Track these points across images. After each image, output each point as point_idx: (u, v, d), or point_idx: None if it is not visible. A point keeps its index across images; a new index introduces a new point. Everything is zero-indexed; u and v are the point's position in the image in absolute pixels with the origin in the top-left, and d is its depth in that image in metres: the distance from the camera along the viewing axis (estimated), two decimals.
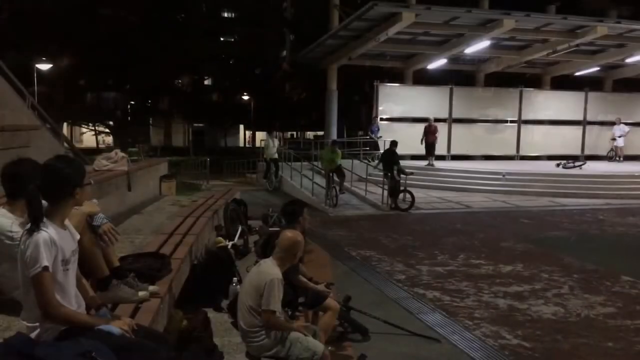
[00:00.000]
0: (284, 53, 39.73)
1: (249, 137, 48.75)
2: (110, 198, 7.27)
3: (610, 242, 10.07)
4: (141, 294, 3.65)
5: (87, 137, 43.28)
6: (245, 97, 38.86)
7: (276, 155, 16.76)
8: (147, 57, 26.87)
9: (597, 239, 10.34)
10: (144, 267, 4.15)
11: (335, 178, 13.55)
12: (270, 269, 3.73)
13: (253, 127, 42.43)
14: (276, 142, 17.22)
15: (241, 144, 50.30)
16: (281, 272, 3.75)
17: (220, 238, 7.12)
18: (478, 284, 7.08)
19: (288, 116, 37.58)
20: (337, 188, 13.35)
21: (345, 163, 16.42)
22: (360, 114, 27.78)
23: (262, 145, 18.10)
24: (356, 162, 16.31)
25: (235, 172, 23.78)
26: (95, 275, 3.45)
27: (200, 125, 44.26)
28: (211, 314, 4.98)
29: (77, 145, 26.90)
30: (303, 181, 15.04)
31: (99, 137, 41.15)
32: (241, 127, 49.06)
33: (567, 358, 4.88)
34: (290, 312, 4.81)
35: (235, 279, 5.72)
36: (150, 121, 40.58)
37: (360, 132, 22.29)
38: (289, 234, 3.91)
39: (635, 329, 5.57)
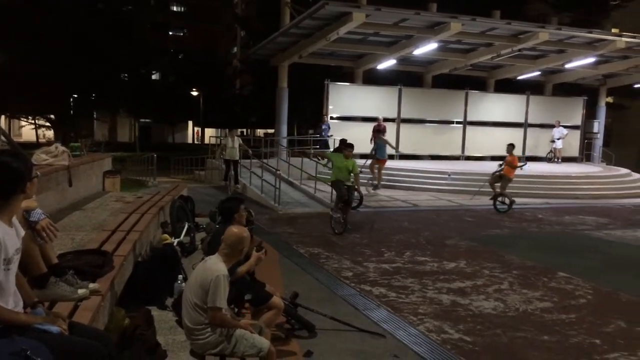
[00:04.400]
0: (235, 49, 39.36)
1: (198, 133, 48.01)
2: (49, 194, 7.00)
3: (547, 240, 10.49)
4: (81, 291, 3.54)
5: (27, 130, 41.47)
6: (195, 93, 38.23)
7: (237, 157, 15.23)
8: (92, 48, 26.00)
9: (536, 237, 10.76)
10: (85, 264, 4.04)
11: (342, 194, 10.18)
12: (215, 265, 3.69)
13: (202, 123, 41.82)
14: (237, 141, 15.36)
15: (190, 140, 49.49)
16: (227, 269, 3.71)
17: (166, 235, 6.99)
18: (423, 280, 7.24)
19: (238, 113, 37.23)
20: (344, 217, 10.11)
21: (295, 161, 16.49)
22: (310, 113, 27.85)
23: (220, 143, 16.81)
24: (306, 160, 16.34)
25: (183, 169, 23.37)
26: (32, 273, 3.32)
27: (147, 120, 43.24)
28: (155, 312, 4.88)
29: (16, 139, 25.77)
30: (252, 179, 14.94)
31: (39, 131, 39.52)
32: (190, 123, 48.27)
33: (506, 351, 5.05)
34: (236, 309, 4.77)
35: (180, 276, 5.63)
36: (95, 115, 39.31)
37: (311, 131, 22.35)
38: (235, 229, 3.88)
39: (570, 323, 5.82)
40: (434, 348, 5.05)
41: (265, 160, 16.28)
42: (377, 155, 15.70)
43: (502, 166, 13.40)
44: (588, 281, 7.39)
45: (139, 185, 16.00)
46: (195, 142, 46.71)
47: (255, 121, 39.66)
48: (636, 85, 26.13)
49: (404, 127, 21.30)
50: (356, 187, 10.62)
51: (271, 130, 28.38)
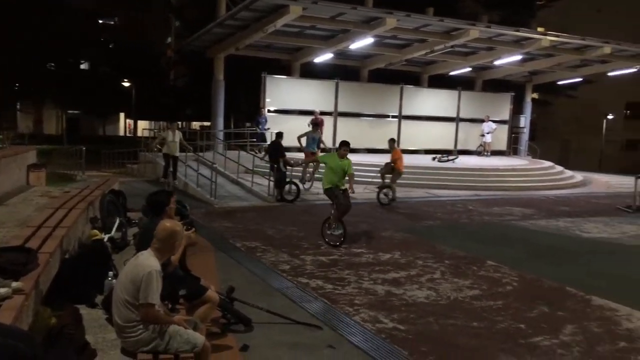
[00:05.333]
0: (169, 39, 38.32)
1: (130, 125, 46.49)
2: None
3: (477, 231, 10.90)
4: (2, 290, 3.38)
5: None
6: (127, 84, 36.94)
7: (177, 152, 14.55)
8: (16, 36, 24.63)
9: (467, 228, 11.15)
10: (6, 262, 3.85)
11: (341, 204, 8.91)
12: (147, 260, 3.59)
13: (135, 115, 40.50)
14: (178, 135, 14.47)
15: (121, 132, 47.87)
16: (160, 264, 3.63)
17: (95, 231, 6.76)
18: (359, 271, 7.35)
19: (173, 105, 36.30)
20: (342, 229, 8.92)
21: (232, 154, 16.30)
22: (248, 106, 27.57)
23: (156, 135, 15.70)
24: (243, 153, 16.19)
25: (115, 163, 22.60)
26: None
27: (76, 112, 41.43)
28: (84, 310, 4.72)
29: None
30: (188, 172, 14.66)
31: None
32: (122, 115, 46.66)
33: (437, 338, 5.22)
34: (170, 305, 4.67)
35: (111, 273, 5.47)
36: (18, 106, 37.28)
37: (248, 124, 22.16)
38: (167, 223, 3.79)
39: (497, 309, 6.08)
40: (369, 337, 5.14)
41: (201, 154, 15.99)
42: (308, 148, 15.55)
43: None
44: (514, 269, 7.74)
45: (67, 179, 15.33)
46: (128, 134, 45.21)
47: (191, 114, 38.80)
48: (559, 82, 27.57)
49: (340, 121, 21.48)
50: (350, 190, 9.13)
51: (207, 123, 27.90)
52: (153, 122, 44.05)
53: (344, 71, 23.33)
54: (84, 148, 17.26)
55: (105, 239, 6.74)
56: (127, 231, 7.84)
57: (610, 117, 37.91)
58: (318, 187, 15.25)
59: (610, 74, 24.76)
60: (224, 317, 5.19)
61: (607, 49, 20.09)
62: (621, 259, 9.01)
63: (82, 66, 38.38)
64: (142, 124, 42.11)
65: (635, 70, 23.71)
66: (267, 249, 8.44)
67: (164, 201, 4.88)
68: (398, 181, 13.96)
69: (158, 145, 14.94)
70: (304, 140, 15.06)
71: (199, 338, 3.67)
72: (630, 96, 39.42)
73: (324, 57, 20.95)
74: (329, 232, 8.94)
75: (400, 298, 6.33)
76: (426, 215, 12.30)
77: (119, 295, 3.57)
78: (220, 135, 19.72)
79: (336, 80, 21.46)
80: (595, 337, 5.37)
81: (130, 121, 45.89)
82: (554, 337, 5.33)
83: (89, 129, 43.60)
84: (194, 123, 43.07)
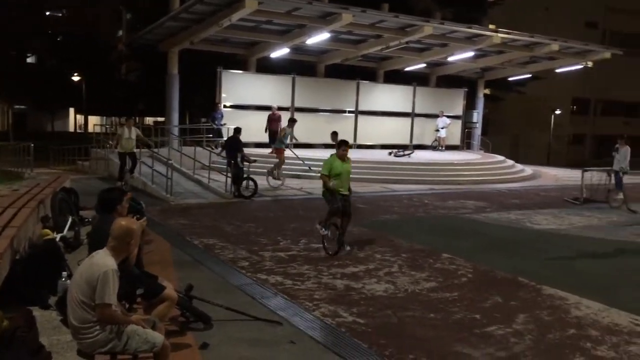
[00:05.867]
0: (120, 32, 37.36)
1: (80, 121, 45.13)
2: None
3: (433, 224, 11.12)
4: None
5: None
6: (76, 78, 35.82)
7: (134, 149, 14.08)
8: None
9: (423, 221, 11.36)
10: None
11: (338, 211, 8.05)
12: (103, 260, 3.52)
13: (85, 110, 39.34)
14: (134, 131, 14.01)
15: (71, 128, 46.41)
16: (116, 263, 3.56)
17: (47, 230, 6.56)
18: (318, 266, 7.39)
19: (125, 100, 35.42)
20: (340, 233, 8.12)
21: (188, 150, 16.06)
22: (203, 100, 27.20)
23: (116, 133, 14.83)
24: (199, 149, 15.98)
25: (65, 159, 21.90)
26: None
27: (23, 107, 39.93)
28: (37, 312, 4.58)
29: None
30: (143, 169, 14.35)
31: None
32: (71, 110, 45.23)
33: (396, 330, 5.31)
34: (127, 305, 4.59)
35: (64, 273, 5.32)
36: None
37: (203, 119, 21.87)
38: (123, 222, 3.72)
39: (453, 300, 6.23)
40: (329, 332, 5.19)
41: (155, 150, 15.68)
42: (281, 145, 15.58)
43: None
44: (468, 261, 7.94)
45: (14, 177, 14.81)
46: (78, 130, 43.88)
47: (144, 109, 37.98)
48: (510, 79, 28.33)
49: (298, 116, 21.35)
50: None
51: (161, 119, 27.39)
52: (104, 117, 42.85)
53: (301, 66, 23.31)
54: (32, 144, 16.67)
55: (58, 239, 6.55)
56: (80, 230, 7.64)
57: (558, 112, 39.25)
58: (276, 182, 15.28)
59: (557, 70, 25.64)
60: (183, 316, 5.14)
61: (555, 46, 20.77)
62: (569, 249, 9.37)
63: (29, 59, 37.00)
64: (93, 120, 40.93)
65: (581, 67, 24.62)
66: (225, 246, 8.37)
67: (116, 199, 4.78)
68: (358, 176, 14.02)
69: (110, 142, 14.47)
70: (283, 138, 15.31)
71: (158, 337, 3.62)
72: (577, 92, 40.92)
73: (280, 52, 20.86)
74: (323, 233, 7.98)
75: (359, 292, 6.40)
76: (383, 209, 12.45)
77: (74, 296, 3.49)
78: (175, 131, 19.38)
79: (293, 76, 21.42)
80: (546, 325, 5.57)
81: (80, 116, 44.56)
82: (507, 326, 5.51)
83: (37, 124, 42.14)
84: (147, 118, 42.19)
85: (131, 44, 28.80)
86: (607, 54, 22.87)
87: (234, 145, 13.42)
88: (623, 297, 6.60)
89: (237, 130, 13.83)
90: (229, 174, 13.18)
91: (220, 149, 15.69)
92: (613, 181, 14.37)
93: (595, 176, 15.18)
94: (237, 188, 13.02)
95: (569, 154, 39.58)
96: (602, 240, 10.11)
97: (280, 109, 19.71)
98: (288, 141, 16.12)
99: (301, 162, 16.56)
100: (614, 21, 40.96)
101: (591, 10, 39.88)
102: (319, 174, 8.36)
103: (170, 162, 13.31)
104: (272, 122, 18.83)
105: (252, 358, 4.58)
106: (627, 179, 14.44)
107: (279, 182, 14.98)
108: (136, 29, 25.92)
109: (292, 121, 16.03)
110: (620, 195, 13.90)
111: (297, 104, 21.46)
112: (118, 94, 34.48)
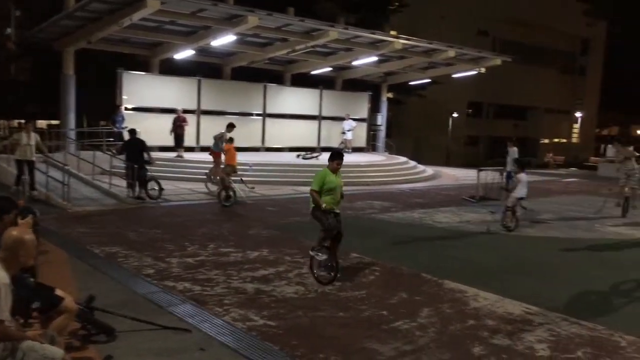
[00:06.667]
0: (9, 30, 34.75)
1: None
2: None
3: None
4: None
5: None
6: None
7: (33, 157, 12.64)
8: None
9: None
10: None
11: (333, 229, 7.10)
12: None
13: None
14: (34, 137, 12.64)
15: None
16: (8, 276, 3.31)
17: None
18: (227, 271, 7.29)
19: (15, 102, 32.98)
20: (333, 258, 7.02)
21: (86, 155, 15.25)
22: (102, 103, 25.95)
23: (12, 138, 13.24)
24: (99, 153, 15.24)
25: None
26: None
27: None
28: None
29: None
30: (36, 175, 13.42)
31: None
32: None
33: (307, 331, 5.36)
34: (22, 320, 4.28)
35: None
36: None
37: (103, 122, 20.87)
38: (14, 232, 3.48)
39: (362, 298, 6.39)
40: (240, 336, 5.13)
41: (50, 155, 14.73)
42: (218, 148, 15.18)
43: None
44: (376, 259, 8.18)
45: None
46: None
47: (37, 111, 35.55)
48: (411, 83, 29.49)
49: (204, 119, 21.06)
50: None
51: (56, 122, 25.76)
52: None
53: (207, 68, 22.89)
54: None
55: None
56: None
57: (455, 115, 41.39)
58: (180, 187, 14.89)
59: (454, 75, 27.06)
60: (84, 328, 4.87)
61: (452, 53, 21.91)
62: (467, 244, 9.93)
63: None
64: None
65: (475, 72, 26.16)
66: (129, 254, 8.04)
67: (4, 208, 4.45)
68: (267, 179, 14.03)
69: (6, 145, 13.25)
70: (220, 142, 14.77)
71: (57, 352, 3.42)
72: (472, 96, 43.38)
73: (184, 54, 20.35)
74: (316, 257, 7.03)
75: (270, 295, 6.39)
76: (292, 211, 12.51)
77: None
78: (72, 135, 18.34)
79: (198, 78, 21.00)
80: (447, 318, 5.86)
81: None
82: (413, 320, 5.73)
83: None
84: (40, 121, 39.55)
85: (22, 42, 26.91)
86: (498, 61, 24.49)
87: (136, 146, 12.94)
88: (516, 287, 7.09)
89: (134, 132, 13.38)
90: (131, 179, 12.70)
91: (116, 152, 14.78)
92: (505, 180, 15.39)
93: (490, 175, 16.21)
94: (140, 191, 12.64)
95: (466, 155, 41.82)
96: (498, 235, 10.80)
97: (186, 111, 19.25)
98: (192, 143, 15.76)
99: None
100: (503, 30, 43.89)
101: (483, 19, 42.46)
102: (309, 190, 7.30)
103: (67, 167, 12.57)
104: (178, 125, 18.35)
105: None
106: None
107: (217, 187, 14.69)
108: (27, 27, 24.22)
109: (230, 126, 15.69)
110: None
111: (203, 107, 21.05)
112: (7, 95, 32.04)
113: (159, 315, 5.52)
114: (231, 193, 12.79)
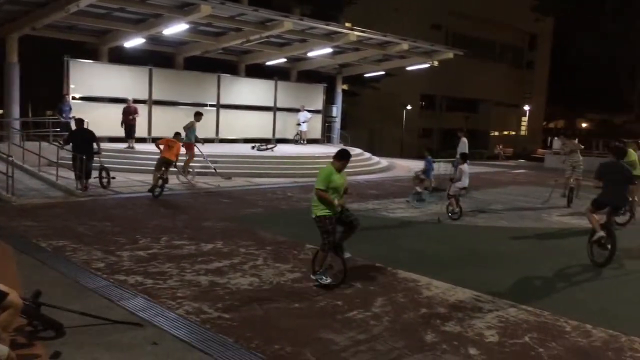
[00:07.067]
0: None
1: None
2: None
3: (296, 216, 11.31)
4: None
5: None
6: None
7: None
8: None
9: (286, 214, 11.54)
10: None
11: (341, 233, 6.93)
12: None
13: None
14: None
15: None
16: None
17: None
18: (181, 264, 7.18)
19: None
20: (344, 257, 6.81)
21: (32, 146, 14.71)
22: (48, 92, 25.01)
23: None
24: (45, 144, 14.71)
25: None
26: None
27: None
28: None
29: None
30: None
31: None
32: None
33: (261, 322, 5.34)
34: None
35: None
36: None
37: (49, 112, 20.13)
38: None
39: (316, 289, 6.41)
40: (193, 329, 5.07)
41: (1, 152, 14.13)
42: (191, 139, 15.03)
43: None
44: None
45: None
46: None
47: None
48: (366, 75, 29.73)
49: (156, 109, 20.64)
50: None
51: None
52: None
53: (159, 57, 22.41)
54: None
55: None
56: None
57: (409, 107, 42.02)
58: (131, 178, 14.55)
59: (408, 68, 27.42)
60: (31, 325, 4.71)
61: (405, 45, 22.17)
62: (419, 234, 10.11)
63: None
64: None
65: (428, 65, 26.57)
66: (78, 247, 7.80)
67: None
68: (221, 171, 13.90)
69: None
70: (190, 132, 14.79)
71: (2, 349, 3.31)
72: (424, 89, 44.13)
73: (134, 42, 19.84)
74: (325, 283, 6.47)
75: (224, 287, 6.34)
76: (247, 203, 12.43)
77: None
78: (17, 125, 17.62)
79: (150, 67, 20.52)
80: (401, 307, 5.96)
81: None
82: (367, 310, 5.80)
83: None
84: None
85: None
86: (450, 54, 24.95)
87: (84, 137, 12.58)
88: (467, 275, 7.28)
89: (81, 121, 13.02)
90: (78, 171, 12.35)
91: (62, 143, 14.29)
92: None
93: (442, 166, 16.53)
94: (86, 181, 12.34)
95: (420, 147, 42.60)
96: (448, 225, 11.05)
97: (137, 101, 18.81)
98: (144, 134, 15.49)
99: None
100: (456, 24, 44.75)
101: (436, 13, 43.15)
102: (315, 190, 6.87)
103: (11, 158, 12.08)
104: (127, 115, 17.91)
105: None
106: (470, 169, 15.86)
107: (190, 178, 14.70)
108: None
109: (198, 114, 15.49)
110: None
111: (155, 97, 20.62)
112: None
113: (110, 310, 5.39)
114: (160, 183, 12.48)
